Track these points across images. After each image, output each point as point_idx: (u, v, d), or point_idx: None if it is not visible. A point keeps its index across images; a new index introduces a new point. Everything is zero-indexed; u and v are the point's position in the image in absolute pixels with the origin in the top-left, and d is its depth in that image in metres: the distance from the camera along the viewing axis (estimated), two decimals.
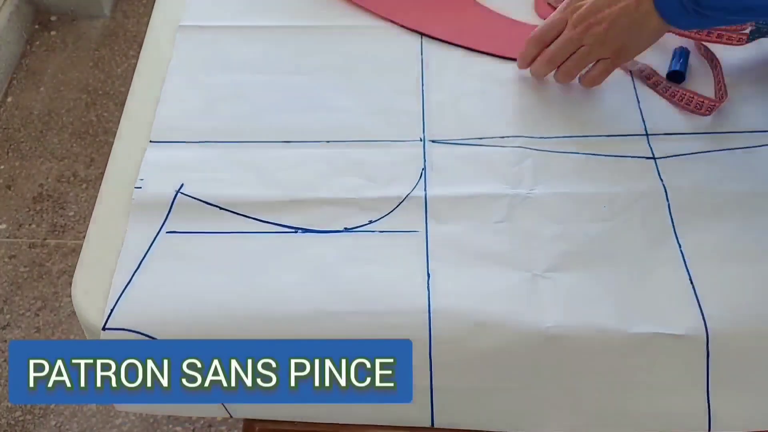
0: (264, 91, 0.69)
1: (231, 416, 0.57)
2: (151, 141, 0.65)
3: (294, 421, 0.57)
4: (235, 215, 0.59)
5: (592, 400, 0.53)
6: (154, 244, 0.58)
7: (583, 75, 0.67)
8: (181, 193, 0.61)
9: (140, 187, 0.61)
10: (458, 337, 0.53)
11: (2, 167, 1.43)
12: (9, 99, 1.54)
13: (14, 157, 1.45)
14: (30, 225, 1.35)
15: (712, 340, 0.52)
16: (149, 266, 0.57)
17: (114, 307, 0.54)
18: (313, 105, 0.67)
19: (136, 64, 0.73)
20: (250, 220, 0.59)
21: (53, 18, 1.68)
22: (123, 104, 0.70)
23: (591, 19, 0.63)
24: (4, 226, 1.35)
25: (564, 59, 0.66)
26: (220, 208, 0.60)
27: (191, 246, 0.58)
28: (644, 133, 0.65)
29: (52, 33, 1.66)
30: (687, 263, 0.56)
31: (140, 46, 0.75)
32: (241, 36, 0.74)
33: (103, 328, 0.53)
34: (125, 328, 0.53)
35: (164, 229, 0.59)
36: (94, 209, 0.61)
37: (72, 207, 1.37)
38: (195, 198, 0.61)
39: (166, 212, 0.60)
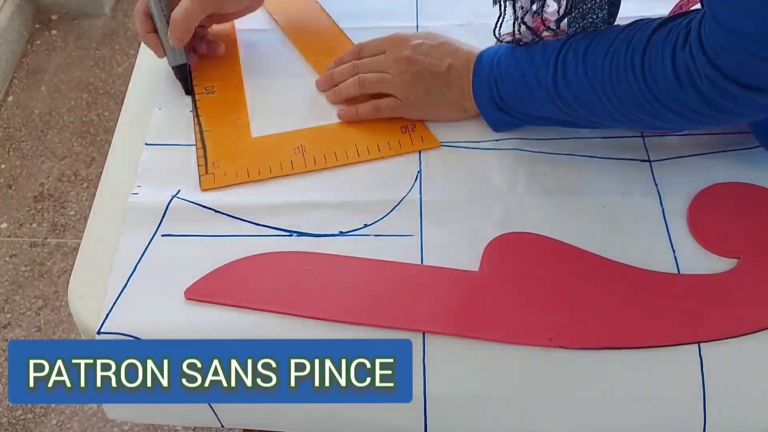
0: (259, 94, 0.69)
1: (222, 425, 0.57)
2: (146, 144, 0.65)
3: None
4: (230, 218, 0.60)
5: (588, 411, 0.53)
6: (149, 248, 0.58)
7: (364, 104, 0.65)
8: (177, 197, 0.61)
9: (137, 194, 0.61)
10: (453, 344, 0.53)
11: (3, 166, 1.44)
12: (10, 98, 1.54)
13: (15, 156, 1.45)
14: (31, 224, 1.35)
15: (704, 349, 0.52)
16: (144, 270, 0.57)
17: (109, 312, 0.54)
18: (308, 108, 0.67)
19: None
20: (245, 223, 0.59)
21: (54, 17, 1.68)
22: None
23: (416, 56, 0.63)
24: (5, 225, 1.36)
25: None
26: (215, 212, 0.60)
27: (186, 249, 0.58)
28: (640, 134, 0.65)
29: (53, 32, 1.66)
30: (680, 268, 0.56)
31: (141, 45, 0.75)
32: (238, 39, 0.73)
33: (98, 332, 0.53)
34: (120, 332, 0.53)
35: (159, 232, 0.59)
36: (91, 212, 0.61)
37: (73, 206, 1.38)
38: (190, 201, 0.61)
39: (161, 215, 0.60)
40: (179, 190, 0.61)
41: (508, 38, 0.61)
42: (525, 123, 0.63)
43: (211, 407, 0.55)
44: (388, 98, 0.65)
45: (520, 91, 0.59)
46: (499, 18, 0.61)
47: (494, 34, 0.62)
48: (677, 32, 0.50)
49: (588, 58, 0.55)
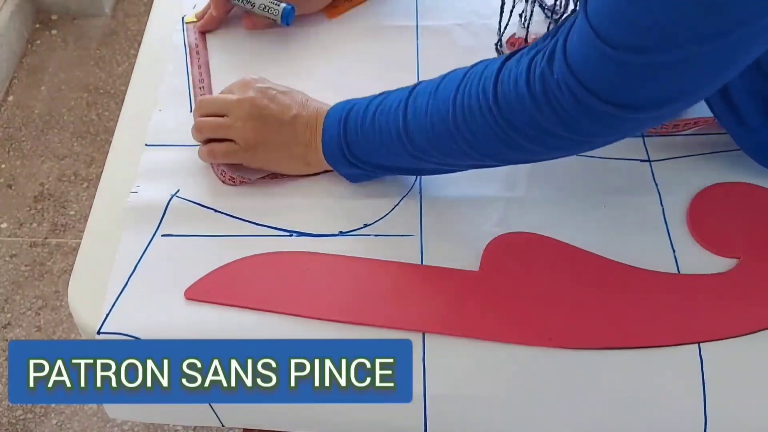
0: None
1: (223, 425, 0.57)
2: (146, 144, 0.65)
3: None
4: (230, 218, 0.60)
5: (588, 412, 0.53)
6: (149, 248, 0.58)
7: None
8: (176, 196, 0.61)
9: (136, 192, 0.61)
10: (453, 344, 0.53)
11: (3, 166, 1.44)
12: (10, 98, 1.54)
13: (15, 156, 1.45)
14: (31, 224, 1.35)
15: (705, 349, 0.52)
16: (144, 270, 0.57)
17: (109, 312, 0.54)
18: None
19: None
20: (245, 223, 0.59)
21: (54, 17, 1.68)
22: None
23: (261, 100, 0.59)
24: (5, 225, 1.36)
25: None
26: (215, 211, 0.60)
27: (186, 249, 0.58)
28: (640, 134, 0.65)
29: (53, 32, 1.66)
30: (680, 268, 0.56)
31: (141, 45, 0.75)
32: (238, 37, 0.74)
33: (98, 332, 0.53)
34: (120, 332, 0.53)
35: (159, 233, 0.59)
36: (91, 212, 0.61)
37: (73, 206, 1.38)
38: (190, 201, 0.61)
39: (161, 215, 0.60)
40: (179, 190, 0.61)
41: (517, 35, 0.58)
42: (379, 174, 0.60)
43: (211, 406, 0.55)
44: (226, 143, 0.60)
45: (371, 141, 0.56)
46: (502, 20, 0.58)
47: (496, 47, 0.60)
48: (535, 52, 0.47)
49: (439, 93, 0.52)
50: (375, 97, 0.58)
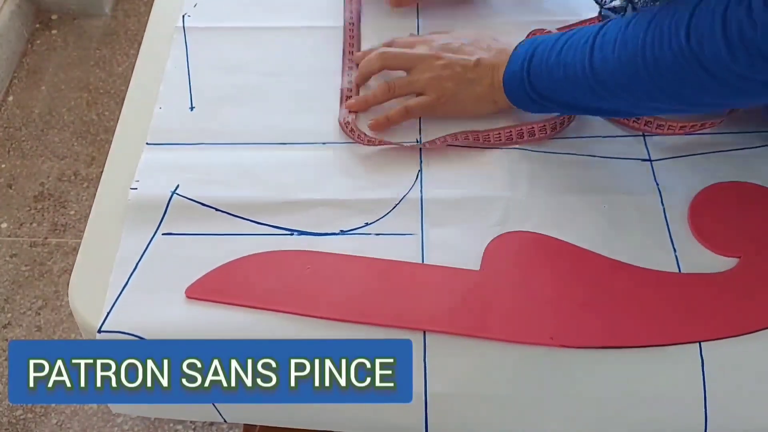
0: (260, 93, 0.69)
1: (225, 421, 0.57)
2: (147, 143, 0.65)
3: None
4: (231, 217, 0.60)
5: (589, 411, 0.53)
6: (149, 246, 0.58)
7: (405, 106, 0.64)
8: (177, 194, 0.61)
9: (136, 189, 0.61)
10: (454, 343, 0.53)
11: (3, 166, 1.44)
12: (10, 98, 1.54)
13: (15, 156, 1.45)
14: (31, 224, 1.35)
15: (705, 348, 0.52)
16: (145, 268, 0.57)
17: (110, 310, 0.54)
18: (308, 107, 0.67)
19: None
20: (246, 221, 0.59)
21: (54, 17, 1.68)
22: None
23: (444, 52, 0.63)
24: (5, 225, 1.36)
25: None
26: (216, 210, 0.60)
27: (187, 248, 0.58)
28: (641, 134, 0.65)
29: (53, 32, 1.66)
30: (681, 267, 0.56)
31: (141, 44, 0.75)
32: (238, 38, 0.73)
33: (99, 331, 0.53)
34: (121, 330, 0.53)
35: (160, 231, 0.59)
36: (92, 211, 0.61)
37: (73, 206, 1.38)
38: (191, 199, 0.61)
39: (162, 214, 0.60)
40: (178, 186, 0.61)
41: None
42: (559, 112, 0.63)
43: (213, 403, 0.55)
44: (419, 97, 0.64)
45: (555, 76, 0.57)
46: None
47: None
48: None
49: (629, 31, 0.52)
50: (563, 33, 0.58)
